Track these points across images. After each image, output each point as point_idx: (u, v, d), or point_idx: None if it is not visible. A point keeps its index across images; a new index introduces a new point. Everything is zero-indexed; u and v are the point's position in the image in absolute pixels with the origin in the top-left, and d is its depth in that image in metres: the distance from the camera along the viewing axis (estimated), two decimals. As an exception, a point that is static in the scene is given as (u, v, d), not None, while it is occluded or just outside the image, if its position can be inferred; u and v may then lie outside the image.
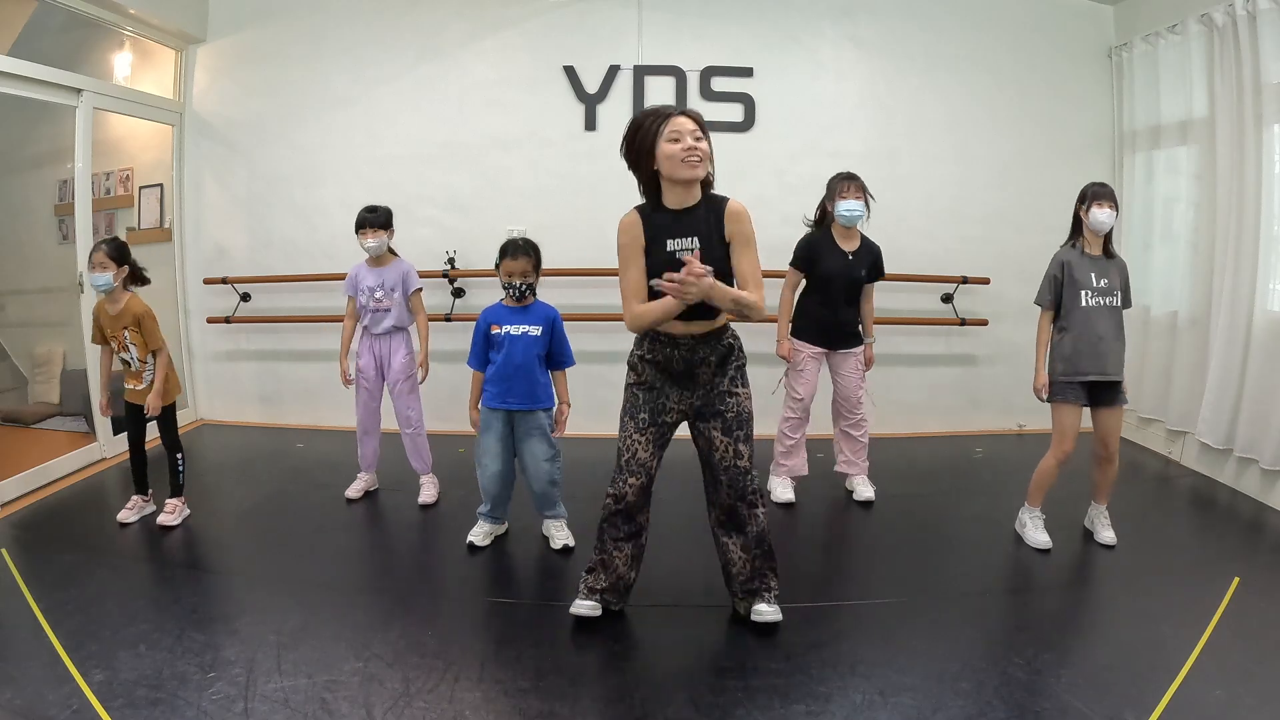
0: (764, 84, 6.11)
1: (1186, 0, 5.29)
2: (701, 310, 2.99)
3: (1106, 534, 4.14)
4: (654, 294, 2.95)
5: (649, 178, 3.03)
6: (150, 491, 4.46)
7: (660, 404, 3.16)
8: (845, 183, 4.47)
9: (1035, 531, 4.14)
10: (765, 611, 3.28)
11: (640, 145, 2.97)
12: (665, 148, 2.90)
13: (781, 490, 4.78)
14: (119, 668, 2.95)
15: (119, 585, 3.68)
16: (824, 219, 4.60)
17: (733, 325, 3.21)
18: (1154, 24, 5.67)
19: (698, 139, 2.90)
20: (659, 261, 2.95)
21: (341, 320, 4.77)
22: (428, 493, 4.72)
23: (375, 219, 4.54)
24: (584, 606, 3.32)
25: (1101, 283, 3.94)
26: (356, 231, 4.55)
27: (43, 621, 3.26)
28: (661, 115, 2.93)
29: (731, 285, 2.98)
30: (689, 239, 2.96)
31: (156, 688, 2.83)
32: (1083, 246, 4.00)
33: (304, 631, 3.26)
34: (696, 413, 3.17)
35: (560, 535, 4.12)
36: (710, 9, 6.11)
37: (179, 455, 4.41)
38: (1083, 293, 3.93)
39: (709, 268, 2.78)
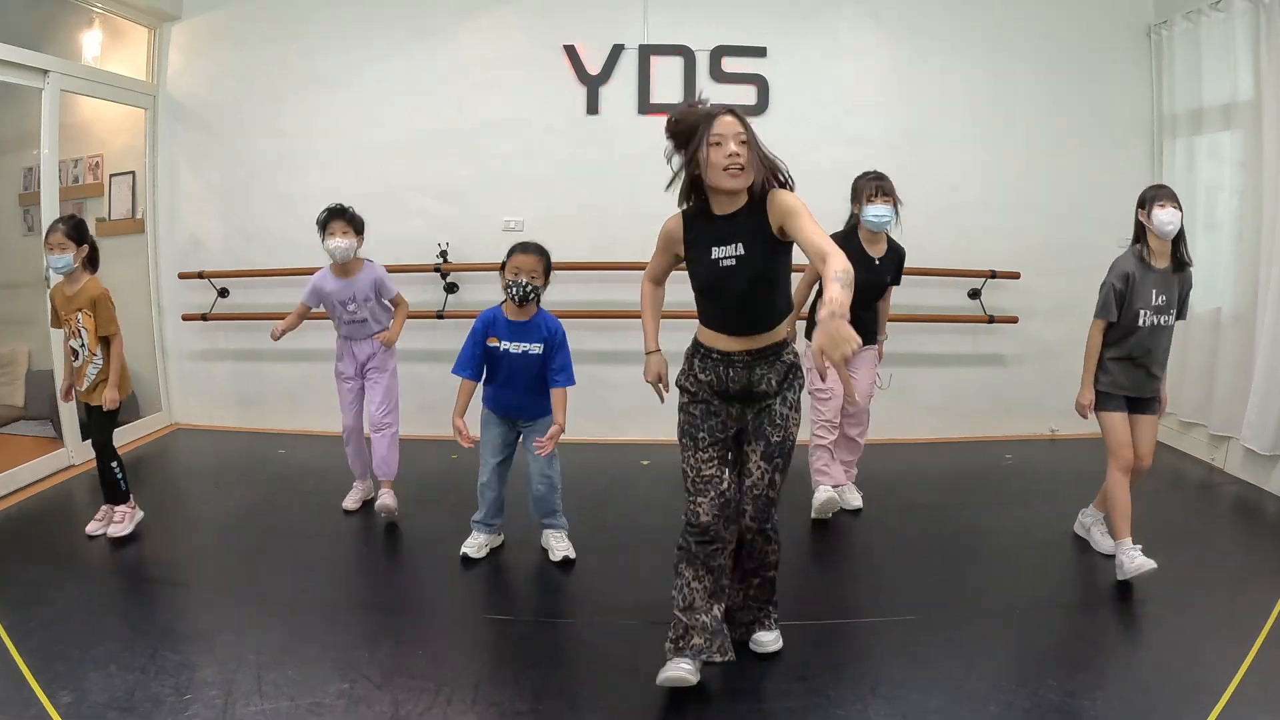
0: (778, 65, 6.10)
1: (1231, -25, 5.28)
2: (753, 323, 2.96)
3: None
4: (708, 287, 2.96)
5: (693, 179, 2.93)
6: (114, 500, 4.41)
7: (718, 421, 3.04)
8: (873, 184, 4.41)
9: (1104, 537, 4.15)
10: (766, 640, 3.26)
11: (690, 148, 2.85)
12: (707, 153, 2.81)
13: (819, 493, 4.63)
14: (88, 689, 2.95)
15: (88, 601, 3.68)
16: (851, 221, 4.53)
17: (791, 344, 3.10)
18: (1196, 0, 5.65)
19: (742, 142, 2.78)
20: (704, 268, 2.94)
21: (324, 319, 4.71)
22: (385, 501, 4.59)
23: (347, 216, 4.41)
24: (677, 671, 2.92)
25: (1160, 299, 3.85)
26: (322, 229, 4.39)
27: (6, 640, 3.25)
28: (708, 116, 2.82)
29: (777, 283, 2.96)
30: (734, 245, 2.88)
31: (128, 710, 2.83)
32: (1147, 256, 3.88)
33: (286, 651, 3.25)
34: (744, 433, 3.09)
35: (560, 547, 4.11)
36: (721, -17, 6.11)
37: (114, 464, 4.28)
38: (1141, 312, 3.84)
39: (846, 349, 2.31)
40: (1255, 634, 3.36)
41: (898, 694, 3.01)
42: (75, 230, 4.17)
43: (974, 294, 6.16)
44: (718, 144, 2.79)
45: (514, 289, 3.80)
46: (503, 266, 3.85)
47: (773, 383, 3.00)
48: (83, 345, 4.22)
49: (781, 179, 2.91)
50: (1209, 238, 5.72)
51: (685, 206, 3.03)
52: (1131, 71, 6.26)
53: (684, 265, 3.08)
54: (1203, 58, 5.66)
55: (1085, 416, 4.02)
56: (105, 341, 4.24)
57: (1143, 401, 3.97)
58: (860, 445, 4.81)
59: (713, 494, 2.99)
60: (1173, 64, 6.01)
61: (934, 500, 5.08)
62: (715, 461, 3.03)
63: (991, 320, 6.15)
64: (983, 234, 6.14)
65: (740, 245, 2.88)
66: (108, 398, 4.23)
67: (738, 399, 3.04)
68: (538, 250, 3.83)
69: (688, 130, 2.86)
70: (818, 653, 3.29)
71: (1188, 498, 5.18)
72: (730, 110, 2.85)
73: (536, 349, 3.87)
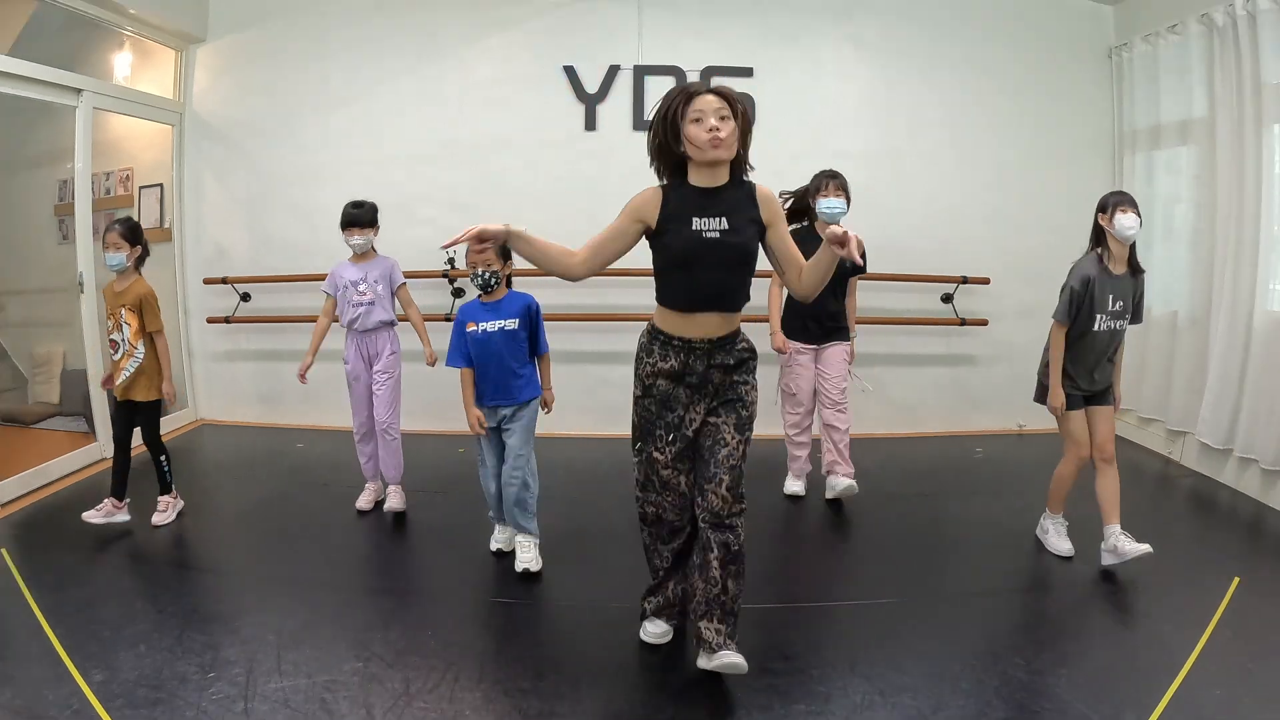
0: (765, 84, 6.11)
1: (1186, 0, 5.29)
2: (722, 301, 2.85)
3: (1136, 546, 3.73)
4: (686, 258, 2.79)
5: (676, 158, 2.82)
6: (127, 499, 4.34)
7: (675, 416, 2.92)
8: (827, 180, 4.52)
9: (1058, 539, 4.07)
10: (731, 658, 2.83)
11: (668, 128, 2.77)
12: (688, 129, 2.72)
13: (791, 482, 4.89)
14: (119, 668, 2.95)
15: (119, 585, 3.70)
16: (806, 211, 4.60)
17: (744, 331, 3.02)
18: (1154, 24, 5.67)
19: (722, 118, 2.69)
20: (683, 239, 2.78)
21: (334, 321, 4.68)
22: (394, 502, 4.60)
23: (363, 215, 4.44)
24: (651, 632, 3.22)
25: (1116, 305, 3.80)
26: (343, 229, 4.45)
27: (43, 621, 3.26)
28: (686, 94, 2.75)
29: (750, 266, 2.86)
30: (717, 219, 2.77)
31: (156, 688, 2.84)
32: (1107, 261, 3.80)
33: (304, 631, 3.26)
34: (711, 412, 2.94)
35: (525, 557, 3.88)
36: (710, 8, 6.11)
37: (163, 458, 4.39)
38: (1098, 316, 3.79)
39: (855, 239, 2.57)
40: (1209, 616, 3.39)
41: (875, 672, 3.02)
42: (130, 232, 4.23)
43: (947, 298, 6.17)
44: (698, 120, 2.70)
45: (476, 280, 3.79)
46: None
47: (729, 365, 2.89)
48: (124, 338, 4.24)
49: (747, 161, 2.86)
50: (1166, 246, 5.73)
51: (663, 182, 2.90)
52: (1094, 91, 6.28)
53: (650, 243, 2.92)
54: (1160, 78, 5.68)
55: (1058, 416, 3.98)
56: (149, 339, 4.28)
57: (1097, 395, 3.95)
58: (840, 429, 4.77)
59: (673, 497, 2.98)
60: (1132, 83, 6.03)
61: (910, 491, 5.08)
62: (673, 463, 2.95)
63: (963, 323, 6.16)
64: (955, 242, 6.15)
65: (724, 220, 2.77)
66: (167, 391, 4.31)
67: (697, 388, 2.91)
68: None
69: (670, 123, 2.77)
70: (800, 633, 3.30)
71: (1147, 489, 5.19)
72: (713, 90, 2.76)
73: (512, 324, 3.80)
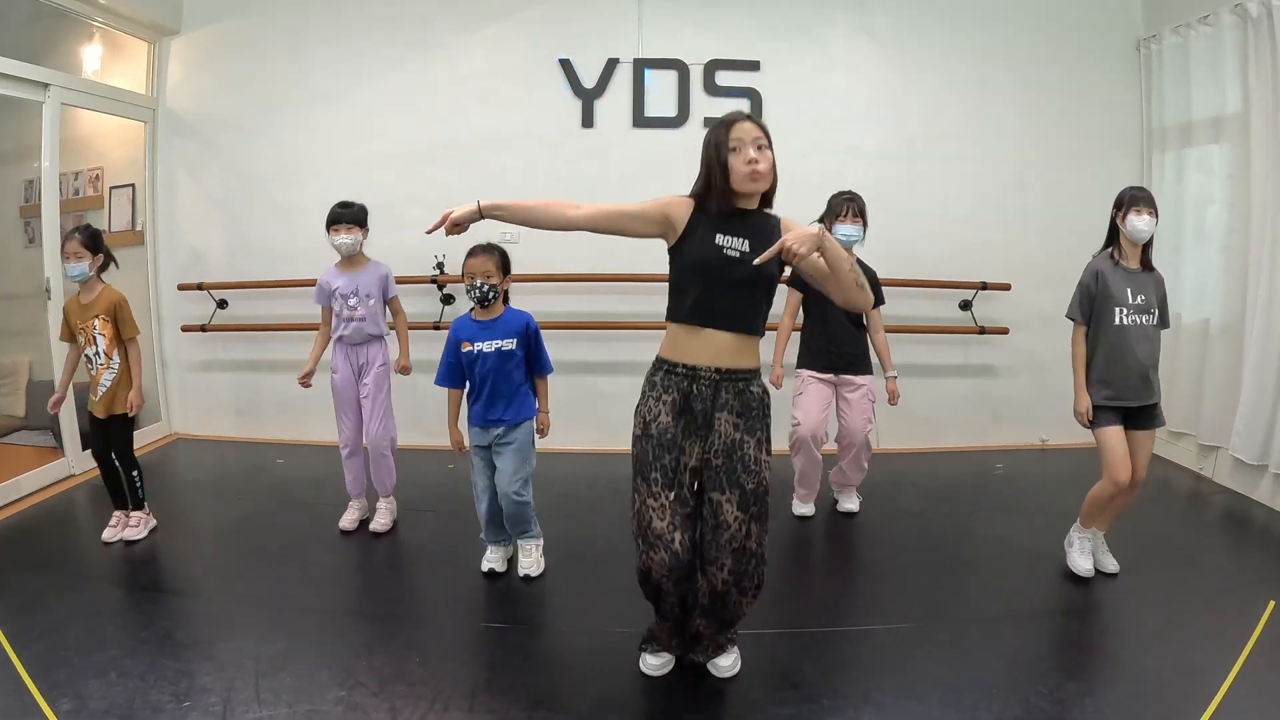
0: (771, 78, 6.14)
1: (1218, -10, 5.32)
2: (734, 320, 2.89)
3: (1108, 561, 4.08)
4: (705, 268, 2.85)
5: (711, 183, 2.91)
6: (130, 506, 4.47)
7: (676, 459, 2.91)
8: (846, 205, 4.55)
9: (1080, 557, 4.06)
10: (725, 665, 3.19)
11: (716, 165, 2.85)
12: (729, 159, 2.83)
13: (798, 505, 4.89)
14: (88, 697, 2.96)
15: (88, 609, 3.69)
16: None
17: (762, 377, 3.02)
18: (1184, 15, 5.69)
19: (760, 148, 2.82)
20: (704, 250, 2.85)
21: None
22: (382, 520, 4.62)
23: (350, 214, 4.43)
24: (651, 664, 3.23)
25: (1138, 299, 3.81)
26: (328, 228, 4.43)
27: (7, 647, 3.26)
28: (725, 122, 2.87)
29: (767, 291, 2.94)
30: (741, 240, 2.85)
31: (128, 718, 2.84)
32: (1118, 257, 3.87)
33: (284, 658, 3.27)
34: (710, 476, 2.93)
35: (527, 561, 4.03)
36: (714, -2, 6.14)
37: (135, 472, 4.43)
38: (1116, 309, 3.80)
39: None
40: (1243, 642, 3.39)
41: (890, 701, 3.02)
42: (91, 240, 4.26)
43: (965, 305, 6.19)
44: (735, 150, 2.81)
45: (473, 292, 3.80)
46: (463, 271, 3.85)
47: (735, 408, 2.89)
48: (99, 351, 4.26)
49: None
50: (1197, 249, 5.75)
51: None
52: (1121, 85, 6.29)
53: (664, 247, 2.99)
54: (1191, 71, 5.70)
55: (1085, 424, 3.95)
56: (121, 347, 4.32)
57: (1141, 414, 3.88)
58: (859, 477, 4.86)
59: (663, 553, 2.88)
60: (1161, 78, 6.05)
61: (926, 509, 5.10)
62: (667, 512, 2.88)
63: (982, 331, 6.17)
64: (974, 246, 6.16)
65: (747, 243, 2.85)
66: (133, 401, 4.33)
67: (699, 427, 2.90)
68: (486, 250, 3.80)
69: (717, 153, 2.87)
70: (810, 660, 3.30)
71: (1176, 507, 5.21)
72: (748, 116, 2.88)
73: (510, 344, 3.84)
